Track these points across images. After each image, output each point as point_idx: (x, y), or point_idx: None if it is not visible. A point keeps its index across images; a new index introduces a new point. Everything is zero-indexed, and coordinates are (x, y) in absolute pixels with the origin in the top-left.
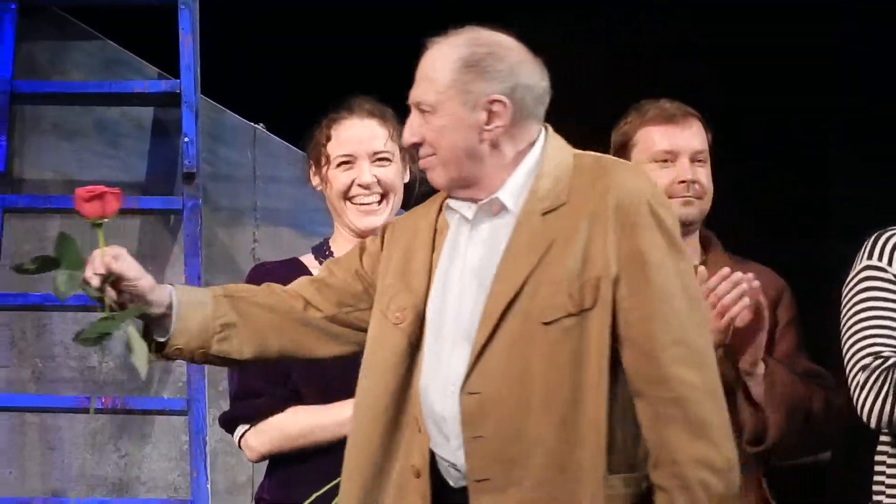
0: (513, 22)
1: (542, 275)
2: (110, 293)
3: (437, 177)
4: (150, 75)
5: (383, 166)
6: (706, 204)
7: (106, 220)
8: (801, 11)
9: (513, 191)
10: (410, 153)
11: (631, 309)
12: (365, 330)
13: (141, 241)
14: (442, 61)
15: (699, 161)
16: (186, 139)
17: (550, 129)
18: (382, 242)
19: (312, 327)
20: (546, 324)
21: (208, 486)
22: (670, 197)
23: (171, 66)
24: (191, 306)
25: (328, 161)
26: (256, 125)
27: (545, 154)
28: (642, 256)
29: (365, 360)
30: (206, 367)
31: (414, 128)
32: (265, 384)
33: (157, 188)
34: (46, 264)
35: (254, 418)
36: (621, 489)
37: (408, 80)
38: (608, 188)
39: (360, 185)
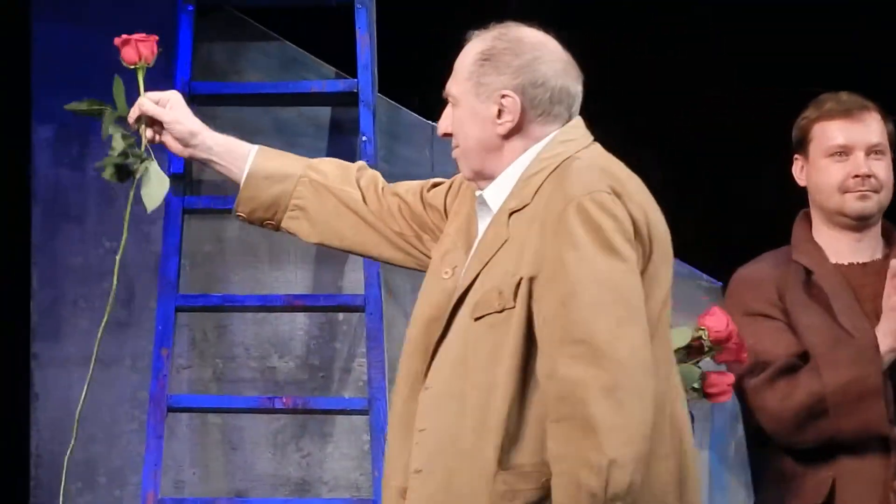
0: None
1: (486, 273)
2: (148, 133)
3: (462, 168)
4: (328, 75)
5: None
6: (885, 197)
7: (146, 65)
8: None
9: (498, 188)
10: None
11: (540, 308)
12: (419, 254)
13: None
14: (468, 54)
15: (876, 154)
16: (364, 138)
17: (575, 126)
18: (457, 193)
19: (375, 229)
20: (476, 319)
21: None
22: (845, 192)
23: (348, 66)
24: (269, 178)
25: None
26: (434, 123)
27: (540, 154)
28: (560, 257)
29: (414, 311)
30: (387, 366)
31: (445, 119)
32: None
33: None
34: (95, 105)
35: None
36: (521, 484)
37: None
38: (558, 189)
39: None
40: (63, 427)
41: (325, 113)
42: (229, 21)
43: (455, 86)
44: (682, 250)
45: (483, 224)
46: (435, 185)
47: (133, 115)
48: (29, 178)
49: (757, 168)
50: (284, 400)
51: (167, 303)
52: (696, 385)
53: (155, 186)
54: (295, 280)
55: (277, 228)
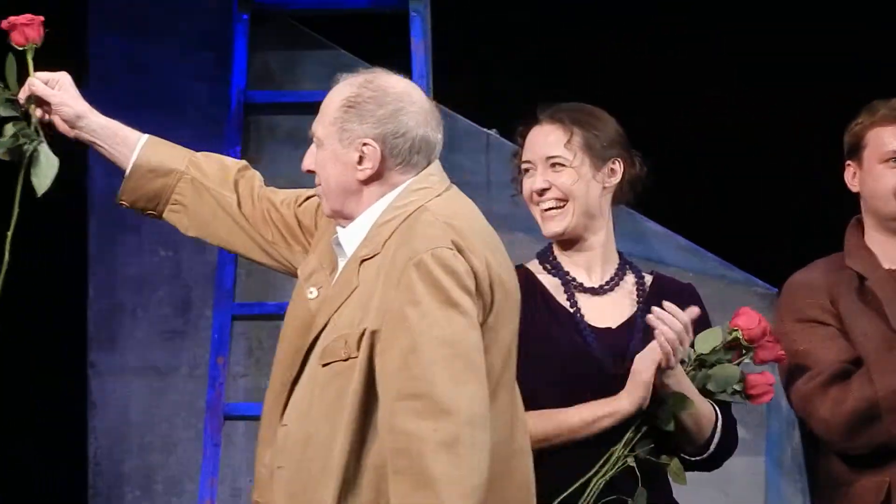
0: None
1: (336, 319)
2: (37, 113)
3: (324, 206)
4: None
5: (558, 171)
6: None
7: (35, 45)
8: None
9: (353, 233)
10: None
11: (382, 361)
12: (288, 263)
13: None
14: (334, 98)
15: None
16: None
17: (429, 174)
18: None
19: (247, 233)
20: (323, 365)
21: None
22: None
23: (403, 74)
24: (153, 171)
25: (519, 168)
26: (489, 131)
27: (394, 202)
28: (402, 312)
29: (282, 329)
30: None
31: (308, 157)
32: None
33: None
34: None
35: None
36: None
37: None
38: (404, 243)
39: (534, 191)
40: (120, 435)
41: None
42: (284, 29)
43: (320, 127)
44: (738, 257)
45: (341, 262)
46: (308, 198)
47: (23, 94)
48: (85, 187)
49: (812, 174)
50: None
51: (223, 311)
52: (737, 387)
53: (44, 168)
54: None
55: (160, 218)
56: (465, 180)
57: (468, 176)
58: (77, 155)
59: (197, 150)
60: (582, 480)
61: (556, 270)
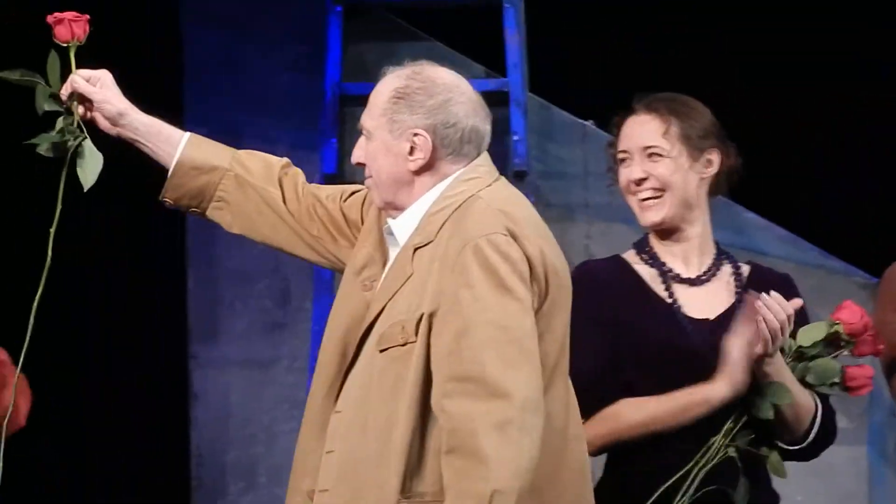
0: None
1: (392, 306)
2: (79, 110)
3: (374, 197)
4: (478, 74)
5: (655, 161)
6: None
7: (78, 43)
8: None
9: (405, 222)
10: (691, 146)
11: (436, 344)
12: (333, 258)
13: None
14: (382, 90)
15: None
16: (516, 137)
17: (479, 164)
18: (371, 204)
19: (293, 229)
20: (381, 351)
21: None
22: None
23: (498, 65)
24: (197, 168)
25: (615, 158)
26: (586, 122)
27: (446, 191)
28: (455, 295)
29: (330, 314)
30: None
31: (358, 150)
32: (594, 378)
33: None
34: (27, 76)
35: (586, 413)
36: None
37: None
38: (458, 230)
39: (631, 181)
40: (222, 427)
41: None
42: (378, 21)
43: (369, 120)
44: (838, 247)
45: (392, 252)
46: (353, 193)
47: (65, 91)
48: None
49: None
50: None
51: (323, 303)
52: (836, 380)
53: (90, 164)
54: None
55: (203, 216)
56: (562, 171)
57: (566, 167)
58: None
59: (293, 143)
60: (682, 472)
61: (653, 261)
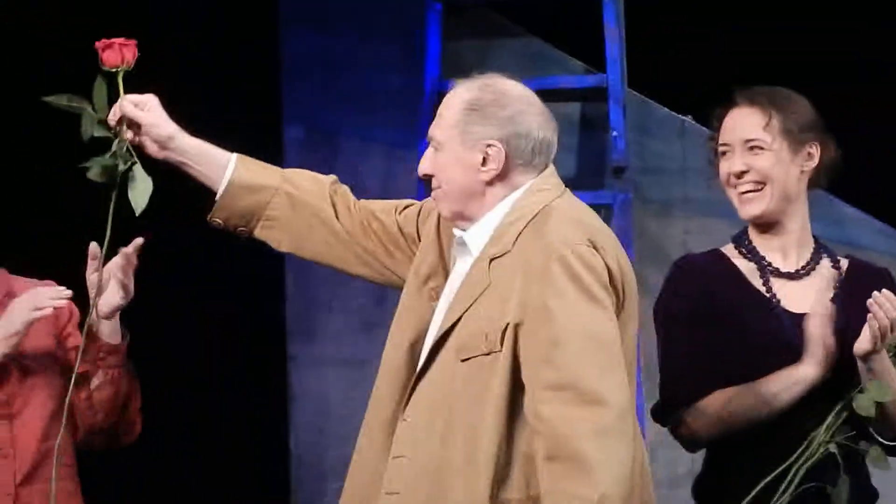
0: None
1: (470, 315)
2: (127, 135)
3: (441, 208)
4: (576, 70)
5: (756, 154)
6: None
7: (126, 68)
8: None
9: (478, 233)
10: (792, 139)
11: (528, 354)
12: (389, 272)
13: None
14: (453, 102)
15: None
16: (615, 133)
17: (549, 175)
18: (426, 217)
19: (345, 245)
20: (463, 360)
21: None
22: None
23: (597, 60)
24: (247, 188)
25: (715, 150)
26: (684, 117)
27: (519, 202)
28: (545, 305)
29: (394, 324)
30: (643, 361)
31: (426, 161)
32: (692, 371)
33: (586, 183)
34: (75, 102)
35: (682, 406)
36: None
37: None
38: (538, 240)
39: (732, 174)
40: (320, 427)
41: (574, 109)
42: (477, 18)
43: (440, 131)
44: None
45: (462, 263)
46: (407, 207)
47: (114, 116)
48: None
49: None
50: None
51: None
52: None
53: (141, 188)
54: None
55: (250, 235)
56: (661, 166)
57: (664, 162)
58: (272, 149)
59: (391, 142)
60: (782, 468)
61: (752, 255)
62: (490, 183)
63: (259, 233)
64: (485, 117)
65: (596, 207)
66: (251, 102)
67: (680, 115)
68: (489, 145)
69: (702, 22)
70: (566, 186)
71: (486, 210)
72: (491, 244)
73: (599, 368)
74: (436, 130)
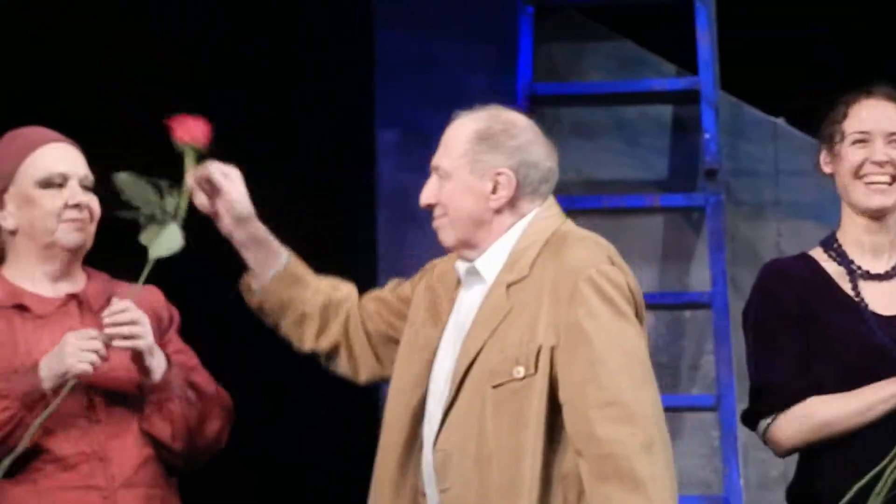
0: None
1: (495, 342)
2: (201, 199)
3: (445, 236)
4: (669, 73)
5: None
6: None
7: (199, 148)
8: None
9: (490, 260)
10: None
11: (567, 375)
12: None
13: (665, 238)
14: (461, 132)
15: None
16: (707, 135)
17: (551, 203)
18: (421, 278)
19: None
20: (495, 387)
21: (741, 481)
22: None
23: (688, 63)
24: (297, 280)
25: (843, 138)
26: (776, 119)
27: (528, 228)
28: (579, 325)
29: (392, 383)
30: (735, 362)
31: (430, 190)
32: (783, 377)
33: (678, 185)
34: (140, 190)
35: (774, 412)
36: None
37: None
38: (558, 263)
39: (872, 163)
40: None
41: (666, 111)
42: (569, 21)
43: (447, 160)
44: None
45: (470, 293)
46: (399, 284)
47: (198, 177)
48: (374, 181)
49: None
50: None
51: None
52: None
53: (166, 241)
54: (640, 279)
55: (276, 326)
56: (753, 168)
57: (756, 165)
58: (365, 151)
59: None
60: (874, 472)
61: (841, 258)
62: (498, 211)
63: (284, 330)
64: (495, 146)
65: (688, 210)
66: (344, 105)
67: (772, 118)
68: (499, 173)
69: (794, 24)
70: (659, 188)
71: (493, 238)
72: (505, 270)
73: (636, 383)
74: (443, 160)
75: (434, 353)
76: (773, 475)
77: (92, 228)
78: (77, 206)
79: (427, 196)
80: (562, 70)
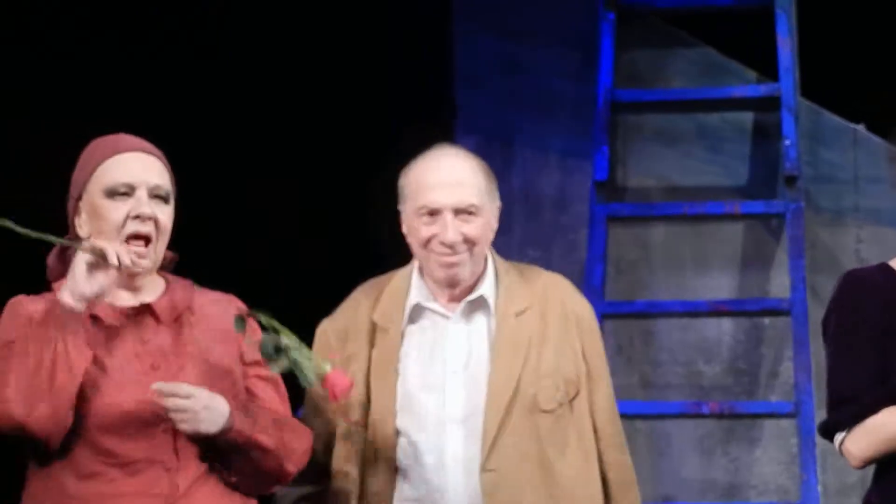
0: None
1: (530, 370)
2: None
3: (463, 273)
4: (749, 79)
5: None
6: None
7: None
8: None
9: (489, 291)
10: None
11: (599, 403)
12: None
13: (744, 245)
14: (472, 167)
15: None
16: (787, 142)
17: None
18: (331, 346)
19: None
20: (543, 412)
21: (819, 488)
22: None
23: (769, 69)
24: None
25: None
26: (857, 126)
27: (496, 261)
28: (600, 358)
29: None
30: (813, 368)
31: (460, 229)
32: (860, 388)
33: (758, 192)
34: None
35: (850, 423)
36: None
37: None
38: (558, 294)
39: None
40: None
41: (747, 117)
42: (650, 27)
43: (476, 197)
44: None
45: (462, 324)
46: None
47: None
48: None
49: None
50: (711, 405)
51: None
52: None
53: (307, 369)
54: (719, 285)
55: None
56: (833, 175)
57: (836, 171)
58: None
59: (564, 149)
60: None
61: None
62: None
63: None
64: (493, 182)
65: (767, 217)
66: (425, 110)
67: (852, 124)
68: (499, 207)
69: (874, 30)
70: (740, 195)
71: (480, 269)
72: (506, 301)
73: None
74: (472, 197)
75: (363, 401)
76: (851, 482)
77: (161, 243)
78: (138, 217)
79: (470, 231)
80: (643, 76)
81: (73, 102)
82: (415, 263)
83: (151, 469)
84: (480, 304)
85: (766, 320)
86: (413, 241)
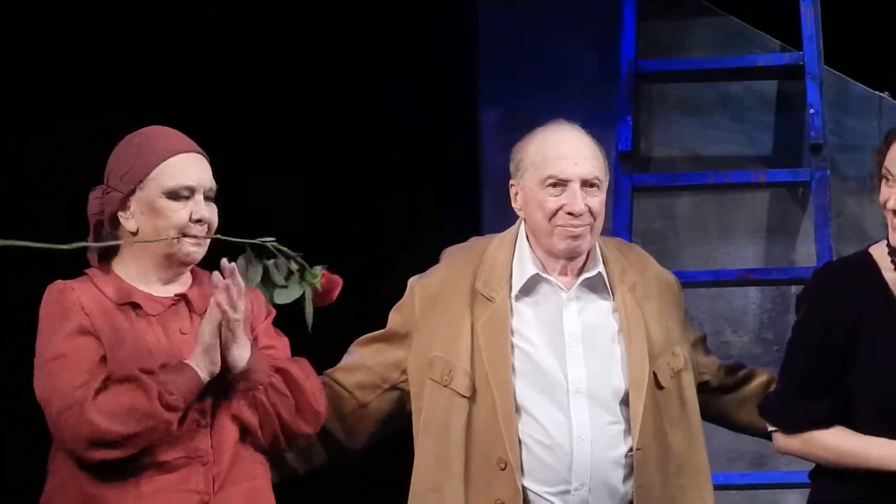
0: None
1: (652, 348)
2: None
3: (583, 244)
4: (773, 48)
5: None
6: None
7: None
8: None
9: (601, 267)
10: None
11: (708, 363)
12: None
13: (770, 214)
14: (589, 142)
15: None
16: (811, 111)
17: None
18: (415, 308)
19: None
20: (661, 388)
21: None
22: None
23: (793, 38)
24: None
25: None
26: (882, 94)
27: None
28: (695, 321)
29: (424, 423)
30: None
31: (587, 200)
32: (815, 393)
33: (783, 161)
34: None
35: (793, 427)
36: None
37: None
38: (650, 266)
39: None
40: None
41: (771, 86)
42: None
43: (600, 171)
44: None
45: (576, 303)
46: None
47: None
48: (478, 162)
49: None
50: None
51: None
52: None
53: (290, 293)
54: (746, 254)
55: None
56: (858, 143)
57: (861, 139)
58: (468, 135)
59: (587, 121)
60: None
61: None
62: None
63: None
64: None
65: (793, 185)
66: (447, 86)
67: (877, 92)
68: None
69: None
70: (765, 164)
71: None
72: (615, 275)
73: None
74: (597, 170)
75: (468, 371)
76: None
77: (208, 239)
78: (199, 220)
79: (593, 204)
80: (666, 47)
81: (73, 103)
82: (514, 233)
83: (189, 465)
84: (595, 280)
85: (793, 289)
86: (536, 212)
